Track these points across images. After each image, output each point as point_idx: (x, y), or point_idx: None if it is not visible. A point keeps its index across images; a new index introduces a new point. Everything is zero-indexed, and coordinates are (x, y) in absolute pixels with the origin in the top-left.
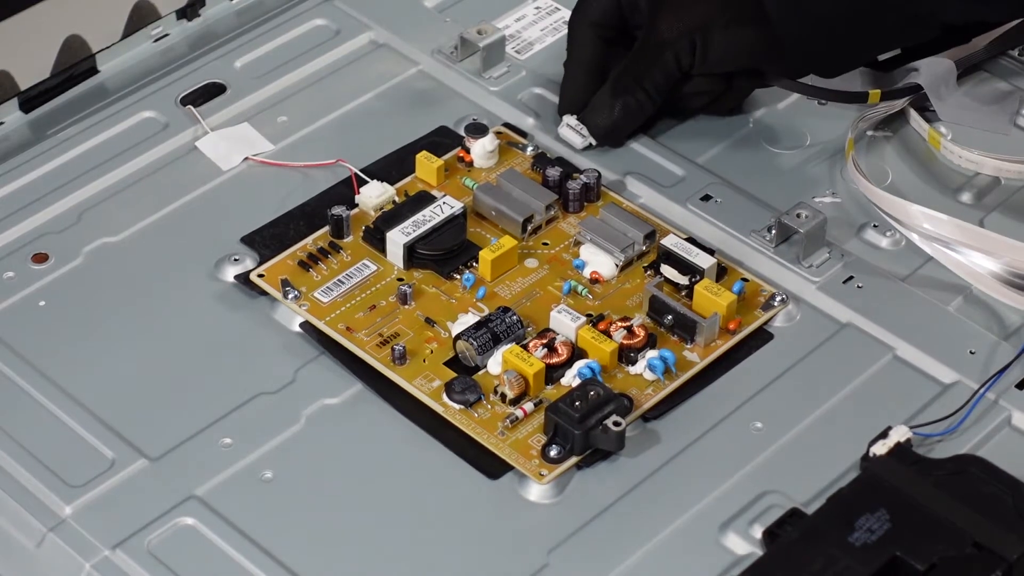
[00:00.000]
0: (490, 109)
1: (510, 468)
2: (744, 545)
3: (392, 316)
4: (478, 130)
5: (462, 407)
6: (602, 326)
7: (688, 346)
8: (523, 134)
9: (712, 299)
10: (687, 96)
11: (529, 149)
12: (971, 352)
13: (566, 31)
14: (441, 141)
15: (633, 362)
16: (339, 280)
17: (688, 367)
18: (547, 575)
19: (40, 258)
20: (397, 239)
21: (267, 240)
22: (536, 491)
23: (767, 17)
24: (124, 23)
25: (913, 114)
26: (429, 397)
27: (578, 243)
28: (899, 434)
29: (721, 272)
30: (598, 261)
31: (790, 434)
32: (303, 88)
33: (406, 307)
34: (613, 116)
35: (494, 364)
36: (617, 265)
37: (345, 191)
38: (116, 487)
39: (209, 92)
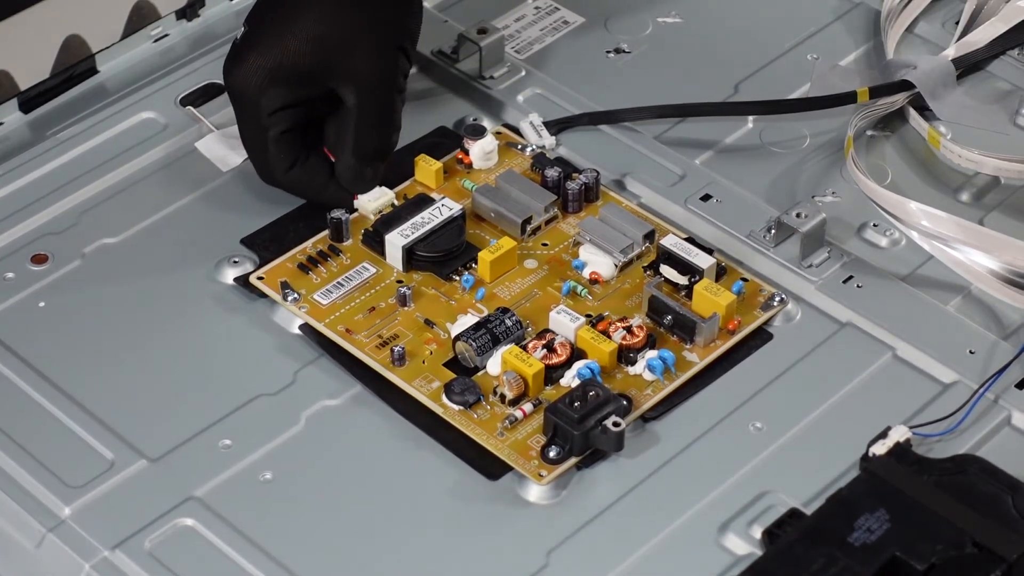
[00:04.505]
0: (489, 110)
1: (509, 469)
2: (744, 545)
3: (391, 318)
4: (477, 131)
5: (461, 408)
6: (601, 326)
7: (687, 346)
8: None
9: (711, 299)
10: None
11: (528, 150)
12: (971, 352)
13: (566, 31)
14: (440, 142)
15: (632, 362)
16: (339, 282)
17: (687, 367)
18: (547, 575)
19: (40, 259)
20: (396, 241)
21: (267, 242)
22: (535, 492)
23: None
24: (124, 23)
25: (913, 113)
26: (428, 398)
27: (577, 243)
28: (899, 434)
29: (720, 272)
30: (597, 261)
31: (790, 434)
32: None
33: (405, 309)
34: (373, 180)
35: (493, 365)
36: (616, 265)
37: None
38: (116, 488)
39: (209, 92)
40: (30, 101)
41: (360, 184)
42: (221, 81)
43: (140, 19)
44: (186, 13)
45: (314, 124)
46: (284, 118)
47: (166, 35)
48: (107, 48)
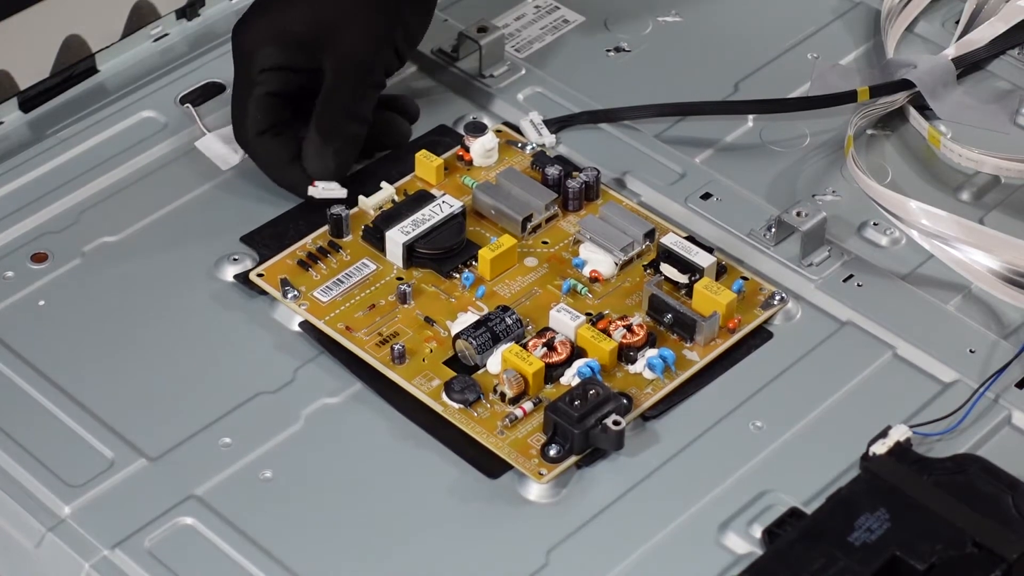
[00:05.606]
0: (489, 108)
1: (509, 467)
2: (744, 544)
3: (391, 315)
4: (477, 129)
5: (461, 406)
6: (601, 325)
7: (688, 345)
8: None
9: (712, 298)
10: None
11: (528, 148)
12: (971, 351)
13: (566, 30)
14: (440, 140)
15: (633, 361)
16: (338, 279)
17: (688, 366)
18: (546, 575)
19: (39, 258)
20: (396, 238)
21: (266, 239)
22: (535, 490)
23: None
24: (124, 23)
25: (913, 112)
26: (428, 396)
27: (577, 242)
28: (899, 433)
29: (721, 271)
30: (598, 260)
31: (790, 433)
32: None
33: (405, 306)
34: (331, 161)
35: (493, 363)
36: (617, 264)
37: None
38: (115, 487)
39: (208, 92)
40: (30, 100)
41: (318, 163)
42: (221, 80)
43: (140, 19)
44: (186, 13)
45: (305, 112)
46: (272, 79)
47: (166, 35)
48: (107, 48)
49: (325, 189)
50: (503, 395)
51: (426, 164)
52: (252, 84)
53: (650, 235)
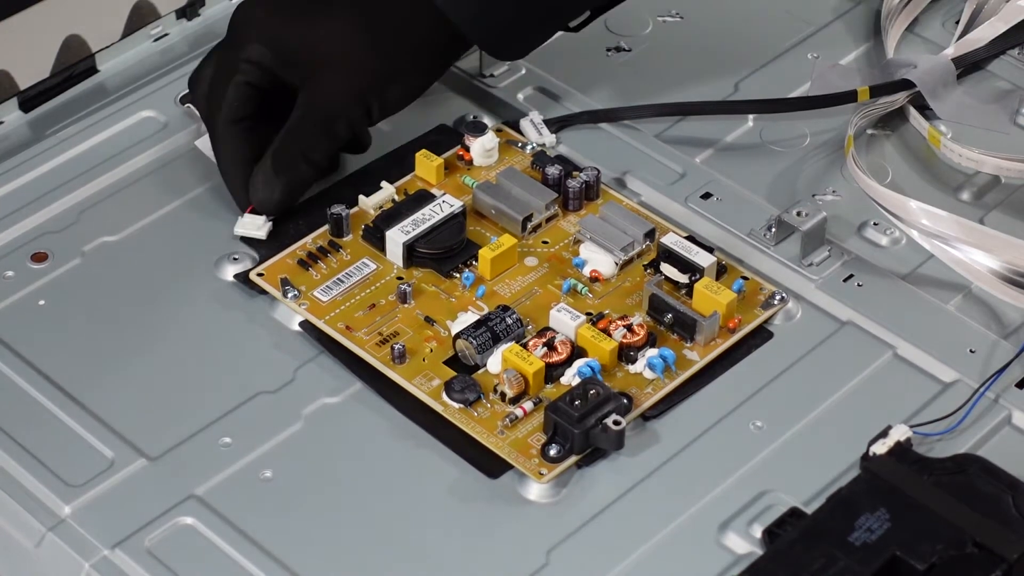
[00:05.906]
0: (490, 107)
1: (510, 467)
2: (744, 544)
3: (392, 315)
4: (477, 128)
5: (462, 406)
6: (602, 325)
7: (688, 345)
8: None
9: (712, 297)
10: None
11: (529, 147)
12: (971, 351)
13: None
14: (440, 139)
15: (633, 361)
16: (339, 279)
17: (688, 366)
18: (546, 574)
19: (39, 257)
20: (396, 238)
21: (267, 239)
22: (536, 490)
23: (429, 46)
24: (124, 23)
25: (913, 112)
26: (429, 396)
27: (578, 241)
28: (899, 433)
29: (721, 270)
30: (598, 259)
31: (790, 433)
32: None
33: (405, 306)
34: (277, 194)
35: (494, 363)
36: (617, 263)
37: (345, 189)
38: (115, 487)
39: None
40: (30, 100)
41: (265, 192)
42: None
43: (140, 19)
44: (186, 12)
45: (277, 112)
46: (253, 72)
47: (166, 34)
48: (107, 48)
49: (247, 226)
50: (503, 395)
51: (426, 164)
52: (235, 70)
53: (650, 235)
